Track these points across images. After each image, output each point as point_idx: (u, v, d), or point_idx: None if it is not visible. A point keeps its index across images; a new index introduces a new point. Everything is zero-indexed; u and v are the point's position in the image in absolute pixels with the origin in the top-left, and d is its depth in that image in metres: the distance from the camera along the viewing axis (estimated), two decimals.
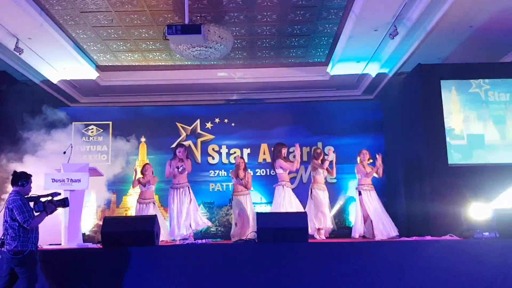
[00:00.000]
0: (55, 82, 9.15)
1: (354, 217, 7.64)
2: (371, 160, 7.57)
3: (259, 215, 5.87)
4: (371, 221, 7.11)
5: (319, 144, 9.46)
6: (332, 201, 7.69)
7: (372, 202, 7.19)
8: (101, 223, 6.99)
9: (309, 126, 9.71)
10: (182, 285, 5.19)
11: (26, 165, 6.85)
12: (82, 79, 9.25)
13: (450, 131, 7.66)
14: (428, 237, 6.36)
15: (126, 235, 5.39)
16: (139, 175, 7.47)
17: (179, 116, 9.88)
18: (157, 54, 8.68)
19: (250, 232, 6.81)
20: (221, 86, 9.80)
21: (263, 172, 9.57)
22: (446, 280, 5.25)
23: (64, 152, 6.77)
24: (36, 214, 4.47)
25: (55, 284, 5.13)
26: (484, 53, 7.85)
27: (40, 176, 5.91)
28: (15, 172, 4.62)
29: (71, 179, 6.22)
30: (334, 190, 9.03)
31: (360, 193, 7.30)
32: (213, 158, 9.73)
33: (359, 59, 8.45)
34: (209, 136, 9.81)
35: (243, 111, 9.98)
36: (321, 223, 7.08)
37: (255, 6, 6.94)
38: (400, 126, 8.83)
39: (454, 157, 7.56)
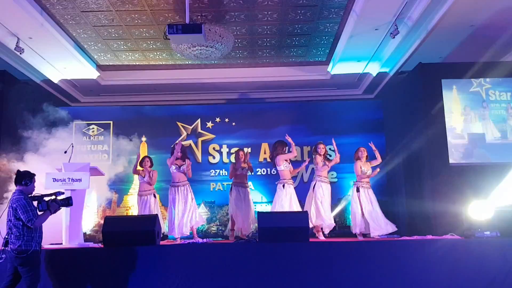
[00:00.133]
0: (56, 81, 9.15)
1: (352, 213, 7.57)
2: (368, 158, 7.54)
3: (260, 215, 5.87)
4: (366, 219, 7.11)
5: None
6: (333, 200, 7.68)
7: (369, 200, 7.18)
8: (102, 222, 7.00)
9: (309, 125, 9.72)
10: (183, 284, 5.20)
11: (27, 164, 6.86)
12: (83, 79, 9.25)
13: (451, 130, 7.66)
14: (429, 236, 6.36)
15: (127, 235, 5.39)
16: (138, 167, 7.52)
17: (180, 116, 9.90)
18: (158, 53, 8.68)
19: (250, 223, 7.03)
20: (221, 86, 9.80)
21: (263, 171, 9.58)
22: (447, 279, 5.25)
23: (65, 152, 6.78)
24: (39, 213, 4.48)
25: (56, 283, 5.13)
26: (485, 52, 7.83)
27: (41, 175, 5.90)
28: (18, 171, 4.62)
29: (72, 179, 6.22)
30: (335, 190, 9.00)
31: (358, 190, 7.29)
32: (214, 157, 9.74)
33: (360, 58, 8.45)
34: (210, 136, 9.82)
35: (244, 110, 9.99)
36: (321, 220, 7.03)
37: (255, 5, 6.94)
38: (401, 125, 8.83)
39: (455, 156, 7.56)
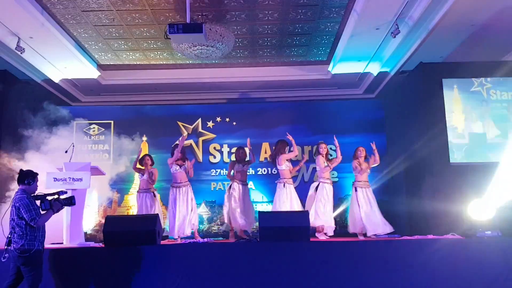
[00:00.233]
0: (56, 81, 9.15)
1: (350, 213, 7.56)
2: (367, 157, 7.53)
3: (261, 214, 5.87)
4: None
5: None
6: (334, 200, 7.67)
7: (367, 200, 7.17)
8: (103, 222, 7.00)
9: (310, 125, 9.71)
10: (184, 284, 5.20)
11: (28, 163, 6.86)
12: (84, 78, 9.25)
13: (452, 129, 7.65)
14: (430, 236, 6.36)
15: (128, 234, 5.40)
16: (139, 165, 7.52)
17: (181, 115, 9.90)
18: (159, 53, 8.68)
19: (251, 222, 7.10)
20: (222, 85, 9.80)
21: (264, 171, 9.57)
22: (448, 278, 5.26)
23: (66, 151, 6.78)
24: (42, 212, 4.48)
25: (57, 283, 5.14)
26: (486, 51, 7.83)
27: (42, 174, 5.90)
28: (21, 170, 4.62)
29: (73, 178, 6.23)
30: (335, 189, 8.98)
31: (356, 190, 7.28)
32: (215, 157, 9.74)
33: (361, 57, 8.44)
34: (211, 135, 9.82)
35: (245, 110, 9.98)
36: (321, 221, 7.03)
37: (256, 5, 6.94)
38: (401, 125, 8.82)
39: (456, 156, 7.55)
